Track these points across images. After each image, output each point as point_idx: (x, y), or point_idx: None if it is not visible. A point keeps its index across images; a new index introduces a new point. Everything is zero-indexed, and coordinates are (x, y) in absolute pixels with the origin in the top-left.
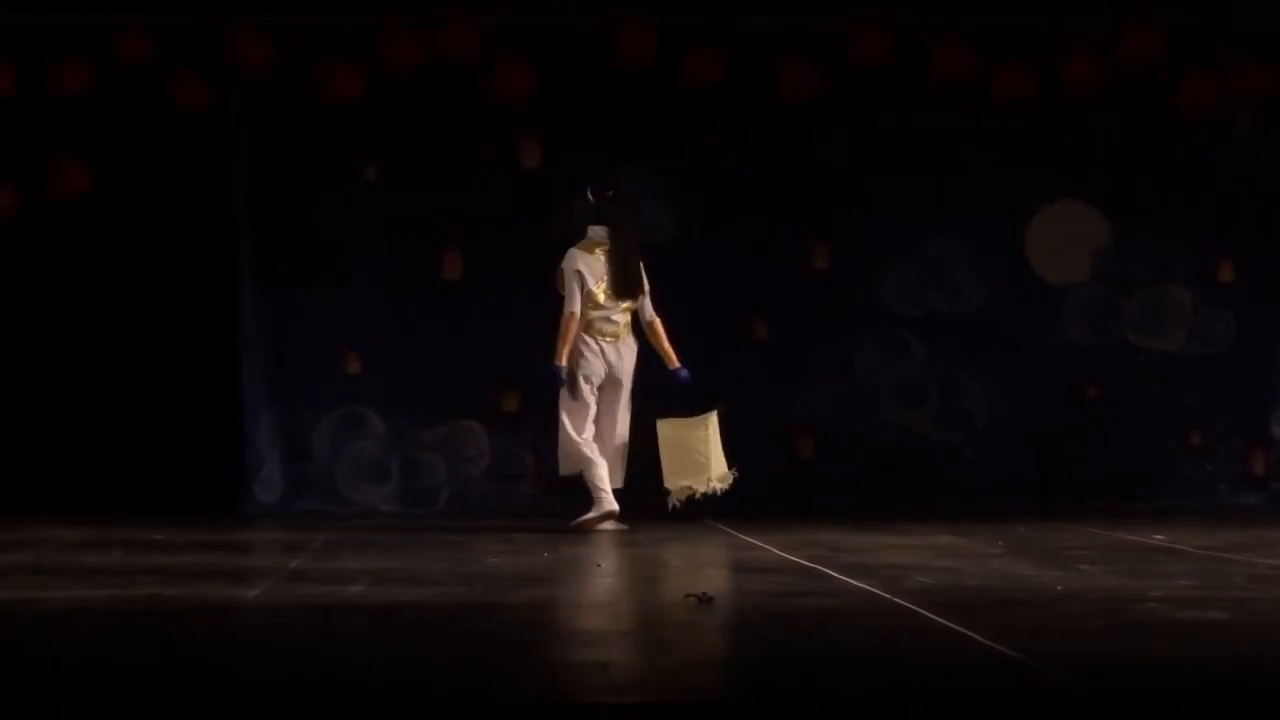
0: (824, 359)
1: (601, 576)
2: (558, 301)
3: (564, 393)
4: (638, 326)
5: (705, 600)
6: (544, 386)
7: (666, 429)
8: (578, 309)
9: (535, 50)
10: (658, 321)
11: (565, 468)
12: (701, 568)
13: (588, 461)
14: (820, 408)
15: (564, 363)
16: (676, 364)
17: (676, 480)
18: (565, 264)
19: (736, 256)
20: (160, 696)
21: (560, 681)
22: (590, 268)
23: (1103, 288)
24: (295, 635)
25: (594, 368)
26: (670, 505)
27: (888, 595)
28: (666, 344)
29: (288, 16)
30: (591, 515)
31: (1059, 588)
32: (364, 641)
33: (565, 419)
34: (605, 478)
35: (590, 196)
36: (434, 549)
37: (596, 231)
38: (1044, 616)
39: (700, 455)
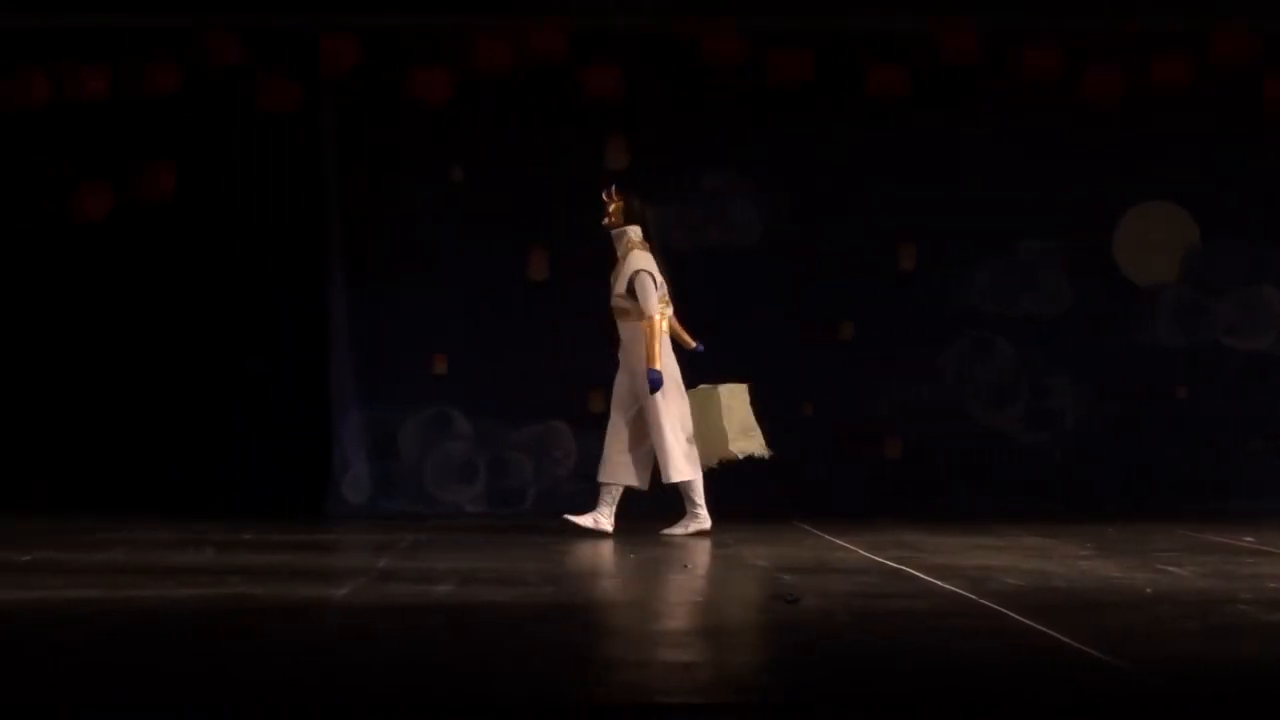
0: (911, 360)
1: (688, 577)
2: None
3: (660, 398)
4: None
5: (792, 601)
6: None
7: (696, 396)
8: (658, 311)
9: (623, 51)
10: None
11: (678, 474)
12: (788, 569)
13: (695, 471)
14: (908, 409)
15: (660, 366)
16: (696, 343)
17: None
18: (643, 266)
19: (823, 257)
20: (247, 695)
21: (644, 682)
22: (656, 269)
23: (1192, 288)
24: (383, 635)
25: (677, 369)
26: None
27: (974, 597)
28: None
29: (376, 18)
30: (691, 529)
31: (1148, 590)
32: (450, 641)
33: (668, 425)
34: (702, 490)
35: (619, 198)
36: (521, 549)
37: (637, 231)
38: (1133, 618)
39: (715, 424)
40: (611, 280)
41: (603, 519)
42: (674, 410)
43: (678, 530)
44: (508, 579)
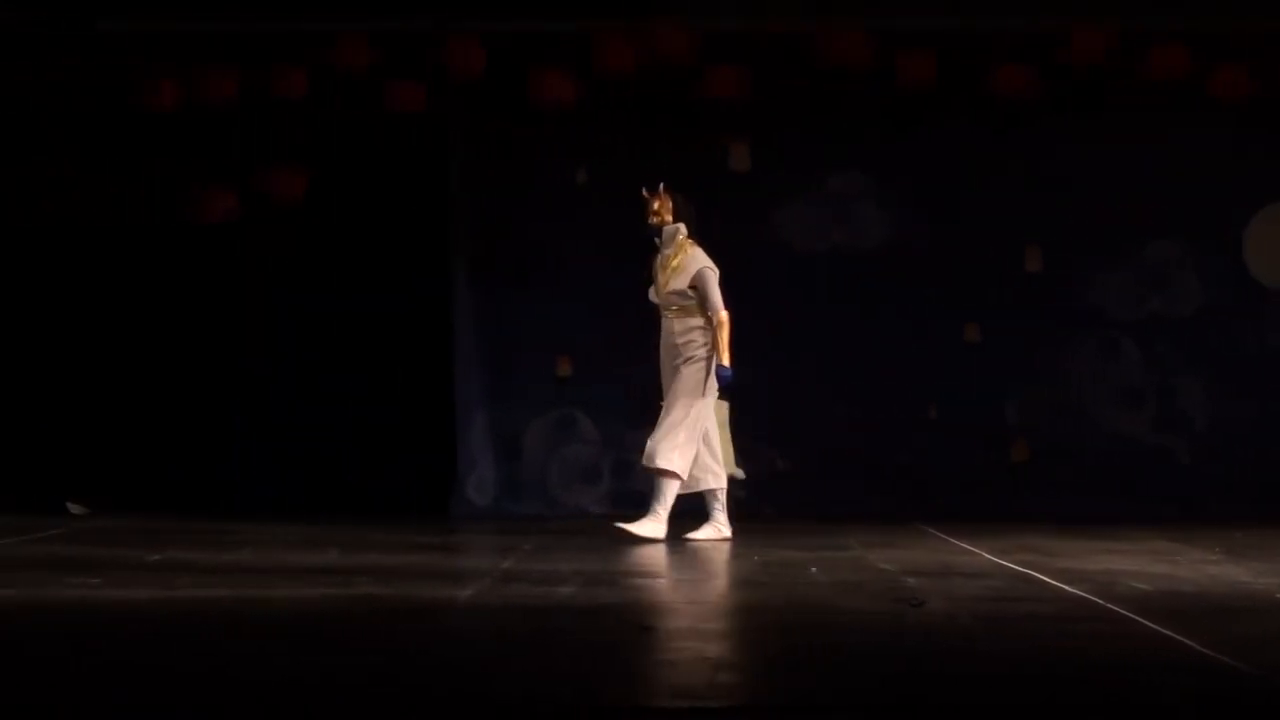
0: (1038, 362)
1: (812, 580)
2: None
3: (698, 392)
4: None
5: (917, 605)
6: (750, 391)
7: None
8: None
9: (747, 53)
10: None
11: (667, 462)
12: (913, 572)
13: (684, 472)
14: (1034, 411)
15: (728, 364)
16: None
17: None
18: (707, 263)
19: (948, 259)
20: (371, 696)
21: (765, 684)
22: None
23: None
24: (507, 636)
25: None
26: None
27: (1101, 601)
28: None
29: (502, 22)
30: (656, 535)
31: (1279, 595)
32: (574, 642)
33: (691, 418)
34: (672, 499)
35: (668, 195)
36: (645, 551)
37: (684, 229)
38: (1264, 624)
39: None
40: (660, 277)
41: (722, 526)
42: (705, 411)
43: (640, 530)
44: (631, 581)
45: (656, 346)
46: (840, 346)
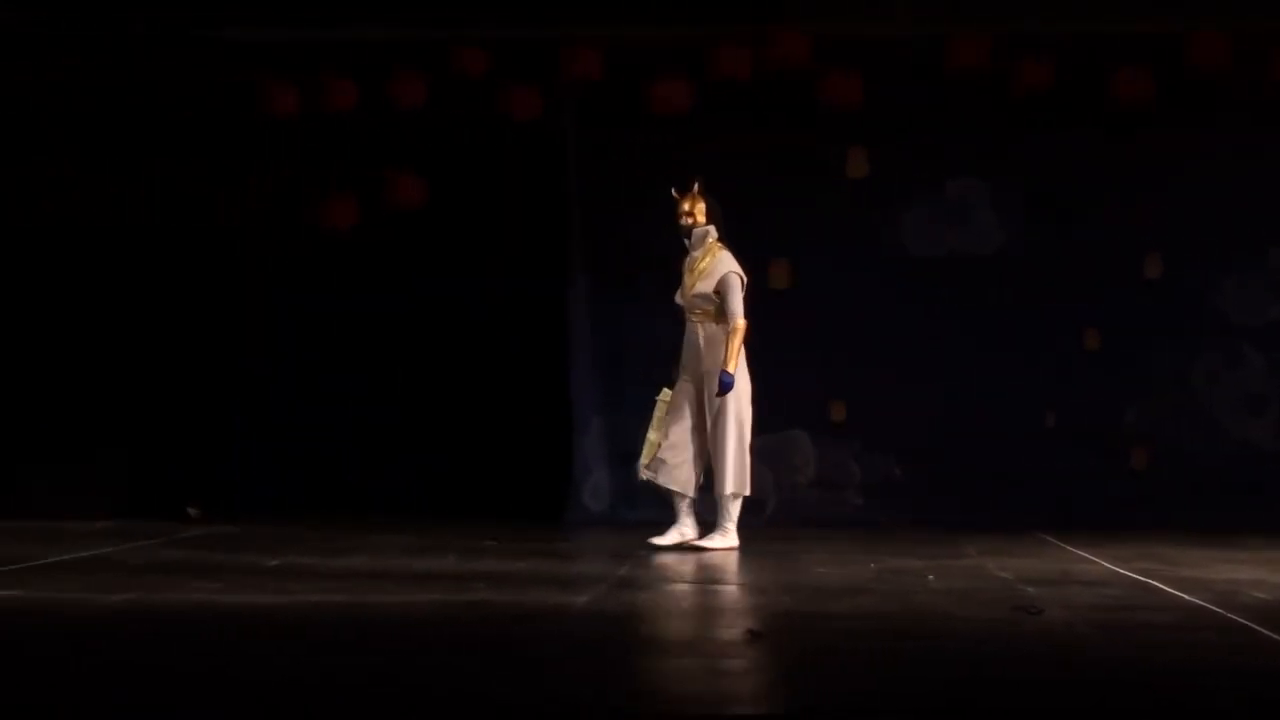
0: (1158, 369)
1: (929, 588)
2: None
3: (742, 406)
4: None
5: (1035, 613)
6: (871, 396)
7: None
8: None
9: (864, 58)
10: None
11: (741, 486)
12: (1030, 580)
13: (747, 487)
14: (1154, 419)
15: (734, 371)
16: None
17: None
18: (734, 268)
19: (1066, 264)
20: (486, 701)
21: (871, 691)
22: (742, 271)
23: None
24: (622, 642)
25: (749, 381)
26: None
27: (1221, 611)
28: None
29: (620, 29)
30: (721, 545)
31: None
32: (688, 649)
33: (735, 433)
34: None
35: (701, 197)
36: (760, 558)
37: (714, 231)
38: None
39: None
40: (687, 279)
41: (734, 537)
42: (746, 420)
43: (713, 544)
44: (748, 588)
45: (679, 349)
46: (957, 353)
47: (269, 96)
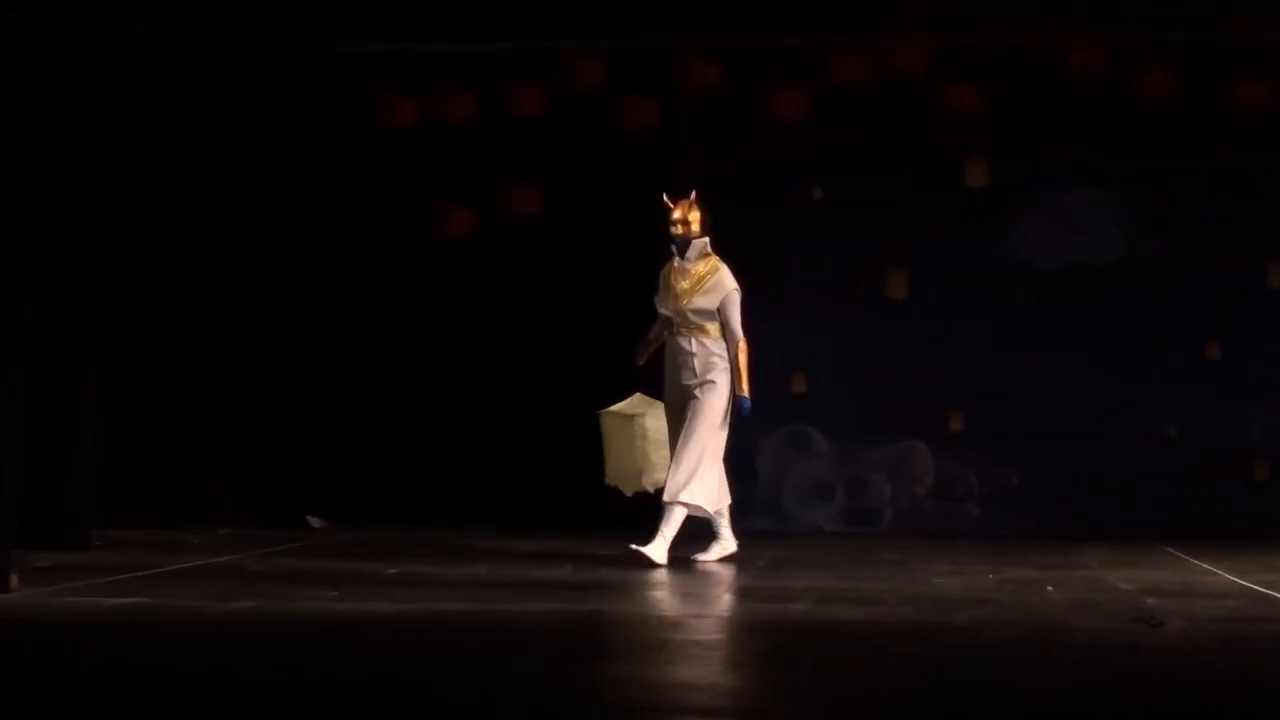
0: None
1: (1048, 599)
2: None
3: (721, 421)
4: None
5: (1155, 624)
6: (990, 406)
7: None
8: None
9: (983, 67)
10: None
11: (708, 501)
12: (1151, 592)
13: (724, 500)
14: (1277, 430)
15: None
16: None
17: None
18: (735, 284)
19: (1188, 274)
20: (593, 711)
21: (991, 699)
22: None
23: None
24: (741, 652)
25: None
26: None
27: None
28: None
29: (736, 38)
30: (725, 553)
31: None
32: (807, 659)
33: (715, 448)
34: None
35: (699, 206)
36: (878, 569)
37: (708, 242)
38: None
39: (630, 454)
40: (679, 290)
41: (728, 543)
42: (721, 436)
43: (723, 554)
44: (864, 599)
45: (660, 361)
46: (1078, 362)
47: (387, 108)
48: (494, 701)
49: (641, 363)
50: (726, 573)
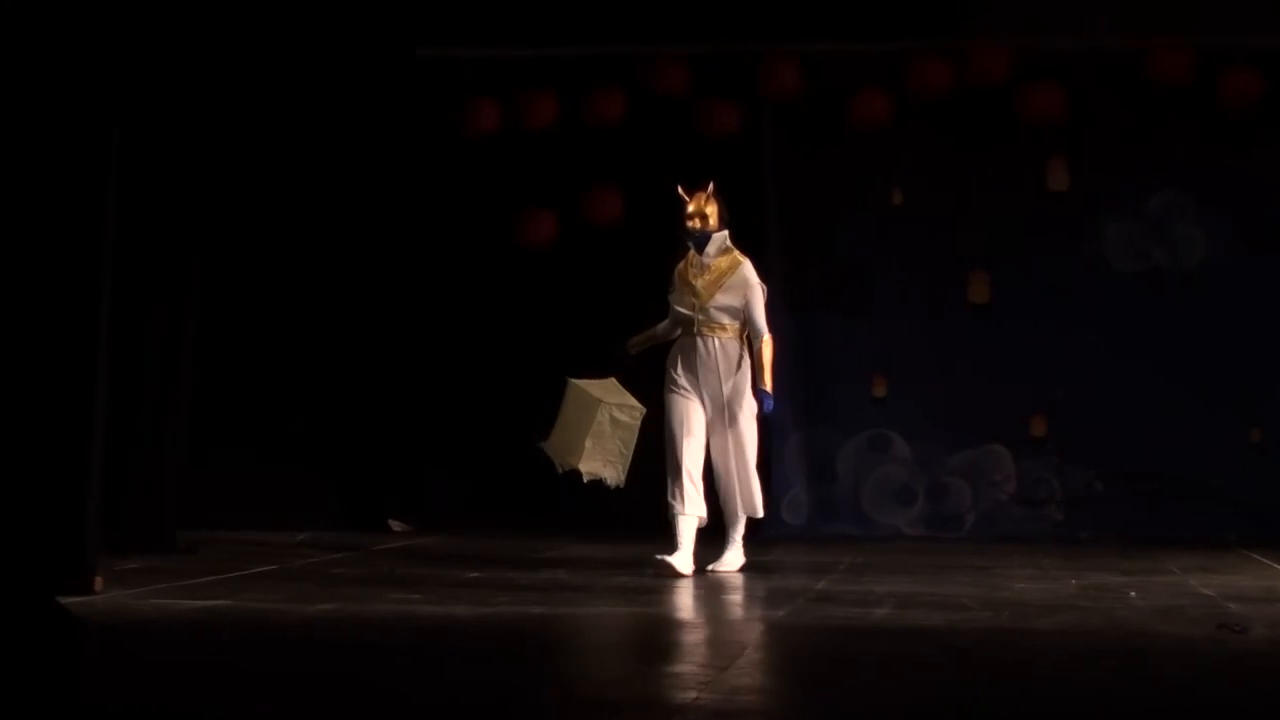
0: None
1: (1131, 605)
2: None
3: (755, 425)
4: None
5: (1239, 631)
6: (1071, 410)
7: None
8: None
9: (1065, 71)
10: None
11: (759, 509)
12: (1235, 597)
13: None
14: None
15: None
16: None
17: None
18: (759, 279)
19: (1271, 278)
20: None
21: (1076, 709)
22: None
23: None
24: (821, 657)
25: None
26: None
27: None
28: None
29: (818, 44)
30: (741, 563)
31: None
32: (889, 665)
33: (754, 453)
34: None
35: (717, 200)
36: (960, 573)
37: (728, 236)
38: None
39: (577, 434)
40: (699, 287)
41: (744, 554)
42: (756, 439)
43: (729, 567)
44: (946, 604)
45: (684, 362)
46: (1159, 367)
47: (470, 114)
48: (575, 703)
49: (634, 354)
50: (805, 577)
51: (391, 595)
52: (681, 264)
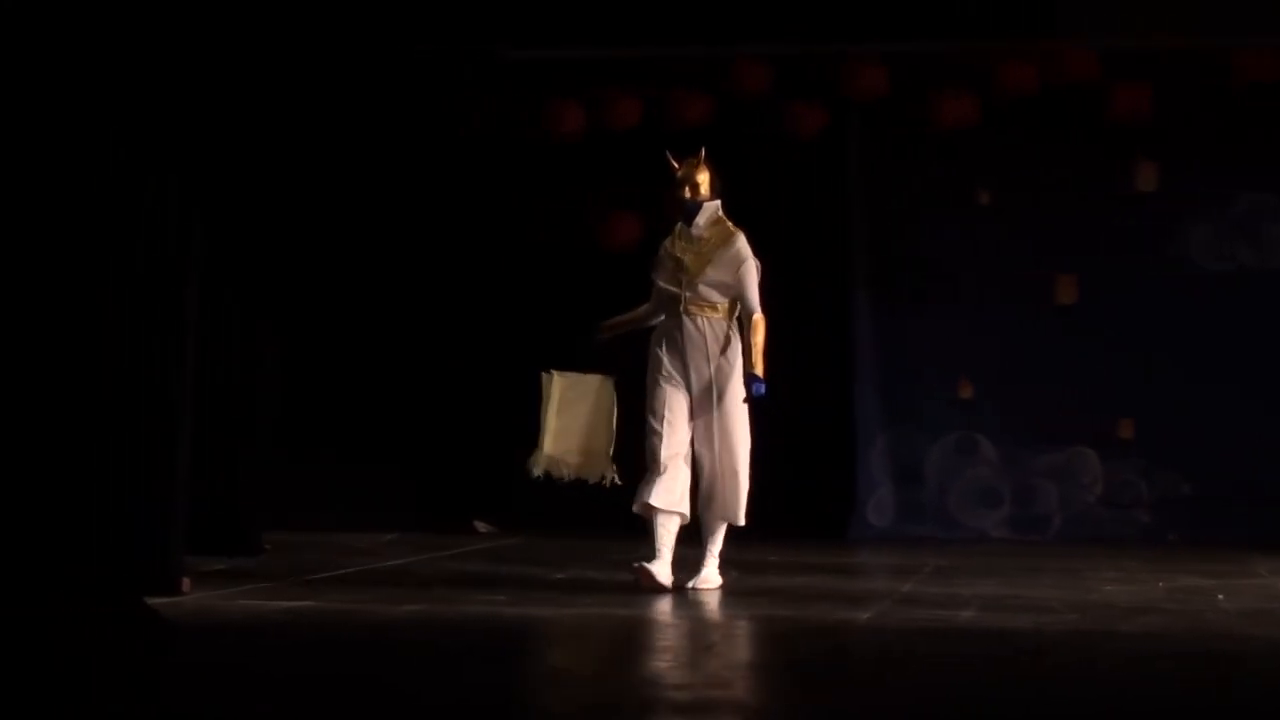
0: None
1: (1219, 608)
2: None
3: (745, 416)
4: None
5: None
6: (1159, 412)
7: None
8: None
9: (1153, 71)
10: None
11: (741, 516)
12: None
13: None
14: None
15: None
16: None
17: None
18: (752, 254)
19: None
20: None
21: (1166, 715)
22: None
23: None
24: (907, 659)
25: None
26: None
27: None
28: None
29: (902, 43)
30: (716, 583)
31: None
32: (975, 667)
33: (746, 453)
34: None
35: (709, 166)
36: (1046, 576)
37: (720, 206)
38: None
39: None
40: (689, 262)
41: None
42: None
43: (709, 584)
44: (1032, 606)
45: (654, 342)
46: (1247, 368)
47: (554, 116)
48: (659, 706)
49: (606, 339)
50: (891, 579)
51: (477, 597)
52: (668, 239)
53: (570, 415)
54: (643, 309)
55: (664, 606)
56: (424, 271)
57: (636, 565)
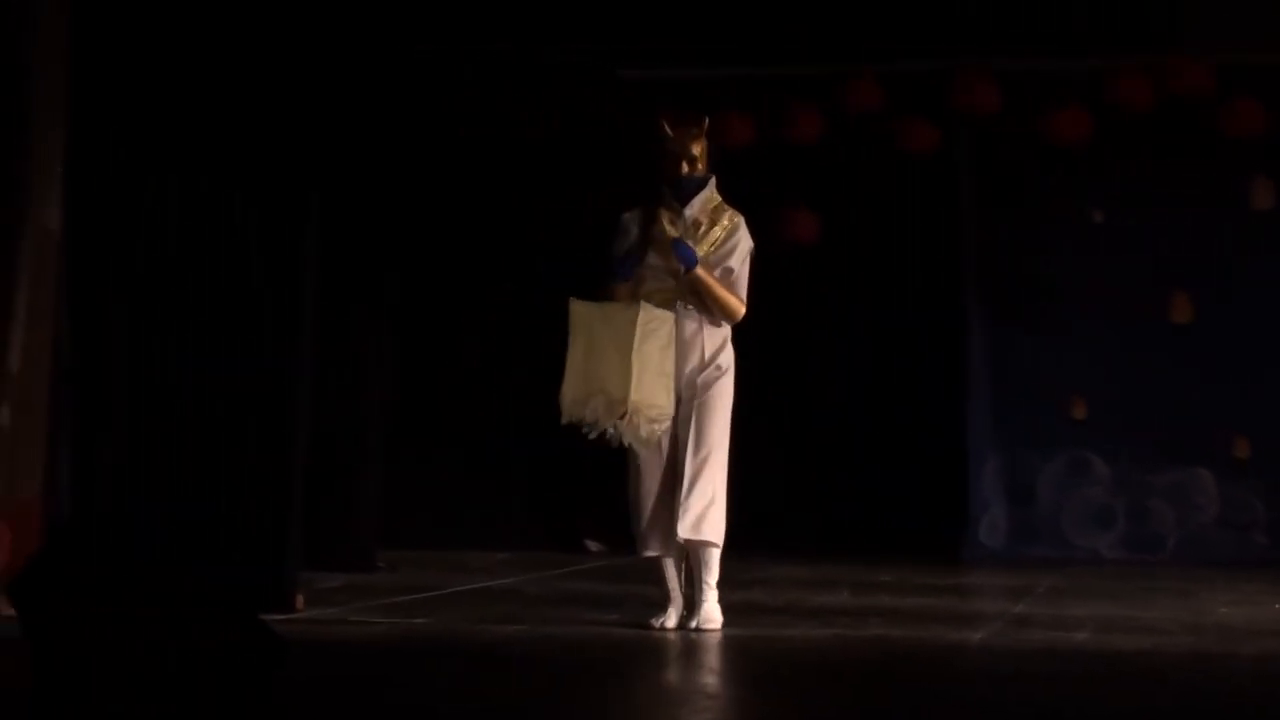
0: None
1: None
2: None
3: (728, 427)
4: None
5: None
6: (1276, 432)
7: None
8: None
9: (1269, 87)
10: None
11: (719, 532)
12: None
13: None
14: None
15: None
16: None
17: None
18: (751, 243)
19: None
20: None
21: None
22: None
23: None
24: (1020, 681)
25: None
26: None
27: None
28: None
29: (1016, 60)
30: (720, 616)
31: None
32: (1089, 689)
33: (725, 469)
34: None
35: (707, 138)
36: (1161, 597)
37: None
38: None
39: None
40: (685, 242)
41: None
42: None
43: (713, 623)
44: (1147, 628)
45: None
46: None
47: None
48: None
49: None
50: (1003, 600)
51: (587, 616)
52: (651, 216)
53: (596, 357)
54: (622, 292)
55: (776, 628)
56: (543, 291)
57: (655, 623)
